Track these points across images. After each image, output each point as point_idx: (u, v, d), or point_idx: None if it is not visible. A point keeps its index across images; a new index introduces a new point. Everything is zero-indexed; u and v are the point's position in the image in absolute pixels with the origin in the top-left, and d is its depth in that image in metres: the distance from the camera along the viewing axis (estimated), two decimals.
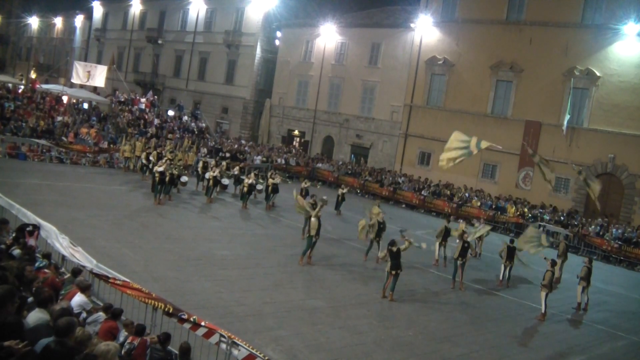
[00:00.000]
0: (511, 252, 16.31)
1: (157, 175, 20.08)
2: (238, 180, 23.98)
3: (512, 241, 16.72)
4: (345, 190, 24.92)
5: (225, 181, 24.07)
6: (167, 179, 20.23)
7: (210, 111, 45.11)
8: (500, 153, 30.45)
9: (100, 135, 30.06)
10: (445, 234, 17.53)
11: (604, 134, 27.38)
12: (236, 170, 24.89)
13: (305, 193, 24.04)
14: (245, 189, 22.16)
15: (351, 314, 11.77)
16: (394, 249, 13.18)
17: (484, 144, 13.38)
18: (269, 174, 25.10)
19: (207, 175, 22.73)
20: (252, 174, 23.45)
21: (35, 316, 5.81)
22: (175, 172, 20.87)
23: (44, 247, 10.61)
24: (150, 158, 23.24)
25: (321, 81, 39.31)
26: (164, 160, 21.03)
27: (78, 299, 7.94)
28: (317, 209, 15.42)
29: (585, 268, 15.07)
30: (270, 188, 22.86)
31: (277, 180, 23.55)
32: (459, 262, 15.11)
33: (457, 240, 15.67)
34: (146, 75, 50.84)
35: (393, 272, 13.08)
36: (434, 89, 34.08)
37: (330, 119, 38.91)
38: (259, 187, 24.07)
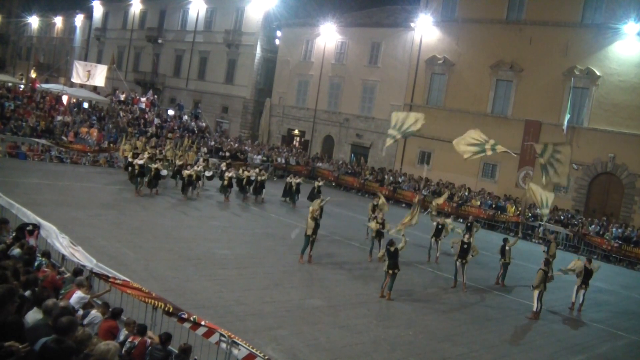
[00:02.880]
0: (503, 249, 16.52)
1: (136, 167, 21.01)
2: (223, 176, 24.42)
3: (505, 240, 16.94)
4: (321, 183, 24.96)
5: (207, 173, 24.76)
6: (152, 173, 21.15)
7: (210, 110, 45.10)
8: (500, 153, 30.41)
9: (101, 134, 30.05)
10: (438, 231, 17.96)
11: (604, 134, 27.37)
12: (223, 166, 25.11)
13: (296, 190, 24.39)
14: (226, 182, 22.82)
15: (351, 314, 11.77)
16: (392, 248, 13.20)
17: (500, 149, 14.25)
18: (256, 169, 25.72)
19: (183, 173, 22.51)
20: (241, 169, 24.26)
21: (33, 316, 5.81)
22: (154, 165, 21.35)
23: (44, 246, 10.61)
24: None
25: (321, 81, 39.29)
26: (144, 154, 22.17)
27: (76, 295, 7.95)
28: (312, 210, 15.50)
29: (582, 267, 15.04)
30: (245, 180, 23.55)
31: (251, 173, 24.14)
32: (458, 263, 15.14)
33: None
34: (146, 74, 50.83)
35: (390, 272, 13.10)
36: (434, 88, 34.07)
37: (330, 119, 38.89)
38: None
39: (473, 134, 15.24)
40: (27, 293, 6.60)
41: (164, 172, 23.36)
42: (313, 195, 24.10)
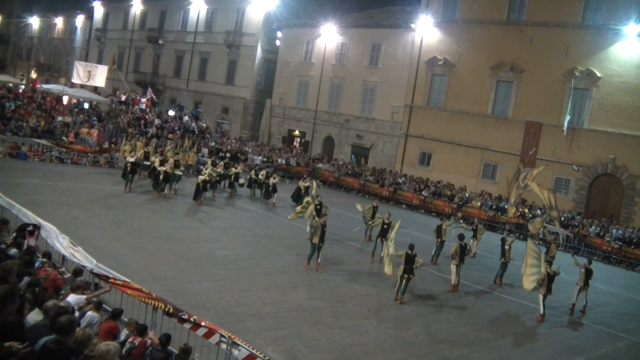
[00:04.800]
0: (502, 248, 16.55)
1: (128, 165, 21.49)
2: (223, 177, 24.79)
3: (503, 239, 16.99)
4: (308, 183, 24.89)
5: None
6: (160, 175, 21.40)
7: (211, 111, 45.11)
8: (501, 153, 30.50)
9: (102, 134, 30.06)
10: (438, 233, 18.06)
11: (604, 135, 27.36)
12: (219, 169, 25.17)
13: (305, 193, 24.15)
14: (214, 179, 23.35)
15: (351, 315, 11.77)
16: (412, 253, 13.13)
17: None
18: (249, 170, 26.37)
19: (198, 179, 22.66)
20: (221, 164, 25.13)
21: (34, 317, 5.81)
22: (162, 168, 21.44)
23: (44, 247, 10.61)
24: (152, 158, 23.82)
25: (322, 81, 39.30)
26: (136, 152, 22.93)
27: (72, 297, 7.90)
28: (318, 217, 15.41)
29: (582, 269, 15.05)
30: (232, 177, 24.34)
31: (238, 169, 25.01)
32: (453, 264, 15.14)
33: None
34: (147, 75, 50.83)
35: (405, 276, 13.03)
36: (434, 89, 34.06)
37: (331, 119, 38.90)
38: (241, 180, 25.31)
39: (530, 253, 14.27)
40: (26, 287, 6.60)
41: (179, 173, 23.38)
42: (299, 196, 24.06)
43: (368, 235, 19.25)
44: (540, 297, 13.61)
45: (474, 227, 19.74)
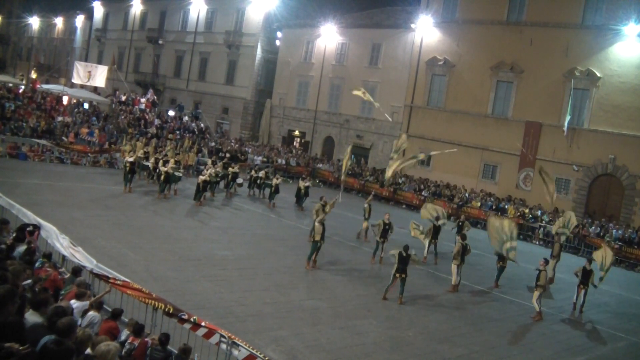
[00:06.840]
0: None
1: (127, 165, 21.45)
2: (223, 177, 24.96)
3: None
4: (308, 183, 24.88)
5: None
6: (162, 177, 21.39)
7: (211, 111, 45.12)
8: (501, 154, 30.51)
9: (103, 134, 30.06)
10: (435, 232, 18.06)
11: (604, 135, 27.37)
12: (219, 168, 25.16)
13: (305, 193, 24.17)
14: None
15: (351, 315, 11.77)
16: (405, 253, 13.12)
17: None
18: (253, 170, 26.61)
19: (198, 179, 22.62)
20: (220, 164, 25.38)
21: (32, 317, 5.80)
22: (164, 168, 21.48)
23: (44, 247, 10.61)
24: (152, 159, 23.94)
25: (321, 81, 39.31)
26: (136, 152, 22.90)
27: (75, 305, 7.85)
28: (320, 215, 15.41)
29: (582, 268, 15.06)
30: (230, 177, 24.59)
31: (236, 169, 25.41)
32: (454, 264, 15.12)
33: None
34: (147, 75, 50.83)
35: (397, 275, 13.05)
36: (434, 89, 34.07)
37: (331, 120, 38.90)
38: (239, 180, 25.59)
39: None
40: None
41: (179, 174, 23.27)
42: (299, 197, 24.06)
43: (368, 235, 19.24)
44: (537, 294, 13.61)
45: (460, 223, 19.63)
